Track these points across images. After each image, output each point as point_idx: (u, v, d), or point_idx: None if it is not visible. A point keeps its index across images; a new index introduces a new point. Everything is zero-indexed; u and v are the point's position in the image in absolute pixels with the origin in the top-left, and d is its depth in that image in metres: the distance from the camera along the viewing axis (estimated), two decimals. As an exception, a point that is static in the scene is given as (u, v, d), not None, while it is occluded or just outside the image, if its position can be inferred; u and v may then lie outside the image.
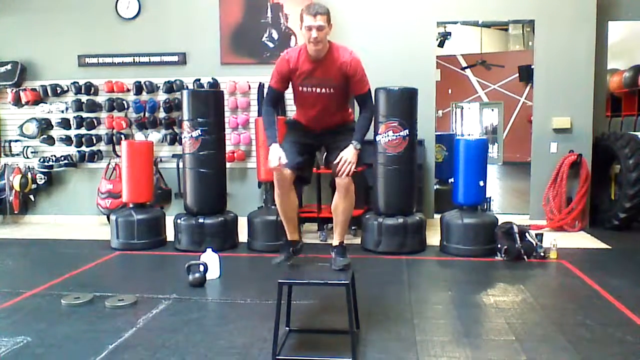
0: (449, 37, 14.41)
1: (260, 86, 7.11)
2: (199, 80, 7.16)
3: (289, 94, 6.84)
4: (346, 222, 3.64)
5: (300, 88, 3.52)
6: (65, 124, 7.33)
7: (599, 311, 3.97)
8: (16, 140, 7.54)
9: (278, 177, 3.52)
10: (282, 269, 3.58)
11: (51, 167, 7.37)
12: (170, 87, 7.19)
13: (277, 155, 3.39)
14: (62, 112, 7.38)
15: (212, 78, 7.14)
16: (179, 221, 5.92)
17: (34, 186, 7.43)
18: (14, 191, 7.36)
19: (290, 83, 3.59)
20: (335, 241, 3.65)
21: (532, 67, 7.13)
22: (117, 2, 7.29)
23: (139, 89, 7.22)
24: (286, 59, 3.49)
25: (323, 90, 3.46)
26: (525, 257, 5.32)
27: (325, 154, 3.73)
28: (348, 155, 3.39)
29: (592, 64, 6.80)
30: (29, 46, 7.47)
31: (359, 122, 3.59)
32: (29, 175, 7.41)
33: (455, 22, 12.86)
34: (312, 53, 3.40)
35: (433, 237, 6.01)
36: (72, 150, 7.44)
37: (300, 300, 3.94)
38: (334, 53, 3.43)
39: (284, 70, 3.51)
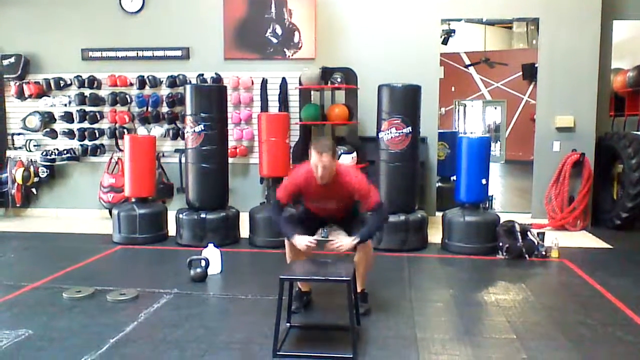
0: (452, 34, 14.34)
1: (264, 82, 7.10)
2: (202, 75, 7.16)
3: (290, 93, 6.83)
4: (367, 272, 3.90)
5: (309, 203, 3.86)
6: (68, 117, 7.34)
7: (600, 310, 3.97)
8: (19, 134, 7.54)
9: (291, 245, 3.74)
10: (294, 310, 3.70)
11: (54, 160, 7.38)
12: (173, 82, 7.19)
13: (305, 243, 3.59)
14: (65, 105, 7.38)
15: (216, 73, 7.14)
16: (180, 216, 5.93)
17: (36, 179, 7.44)
18: (16, 184, 7.37)
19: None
20: (359, 288, 3.80)
21: (536, 65, 7.12)
22: (121, -4, 7.29)
23: (142, 83, 7.22)
24: (296, 183, 3.76)
25: (331, 205, 3.78)
26: (526, 255, 5.32)
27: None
28: (345, 243, 3.60)
29: (596, 63, 6.78)
30: (33, 39, 7.47)
31: (371, 222, 3.72)
32: (32, 169, 7.41)
33: (459, 20, 12.81)
34: (319, 181, 3.63)
35: (435, 235, 6.00)
36: (74, 143, 7.44)
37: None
38: (341, 178, 3.66)
39: (293, 190, 3.78)
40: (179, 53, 7.27)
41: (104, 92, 7.35)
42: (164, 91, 7.29)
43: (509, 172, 14.71)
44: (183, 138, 6.46)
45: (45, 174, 7.47)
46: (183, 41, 7.26)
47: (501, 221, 5.63)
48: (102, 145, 7.44)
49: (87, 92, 7.33)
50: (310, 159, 3.58)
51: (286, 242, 3.78)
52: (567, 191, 6.77)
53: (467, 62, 16.92)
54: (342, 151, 6.15)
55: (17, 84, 7.39)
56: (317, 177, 3.60)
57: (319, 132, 6.93)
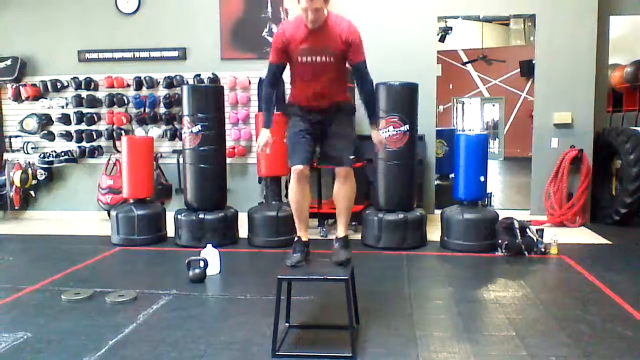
0: (450, 31, 14.35)
1: (261, 81, 7.09)
2: (199, 75, 7.15)
3: (287, 93, 6.81)
4: (348, 210, 3.57)
5: (298, 59, 3.42)
6: (65, 119, 7.33)
7: (599, 306, 3.97)
8: (16, 136, 7.54)
9: (297, 174, 3.46)
10: (295, 268, 3.40)
11: (51, 162, 7.37)
12: (170, 83, 7.18)
13: (265, 141, 3.48)
14: (62, 107, 7.37)
15: (213, 73, 7.13)
16: (179, 217, 5.92)
17: (34, 182, 7.43)
18: (14, 187, 7.36)
19: (288, 57, 3.49)
20: (339, 233, 3.54)
21: (534, 62, 7.11)
22: (116, -3, 7.28)
23: (139, 84, 7.21)
24: (281, 31, 3.42)
25: (322, 58, 3.37)
26: (525, 252, 5.31)
27: (321, 145, 3.60)
28: (379, 138, 3.62)
29: (594, 58, 6.78)
30: (29, 41, 7.45)
31: (366, 99, 3.57)
32: (30, 171, 7.41)
33: (457, 17, 12.85)
34: (309, 25, 3.32)
35: (433, 233, 6.01)
36: (72, 145, 7.43)
37: (300, 296, 3.94)
38: (332, 21, 3.37)
39: (280, 42, 3.41)
40: (175, 53, 7.26)
41: (101, 94, 7.34)
42: (161, 92, 7.28)
43: (508, 169, 14.72)
44: (181, 139, 6.45)
45: (43, 176, 7.46)
46: (179, 41, 7.25)
47: (500, 218, 5.63)
48: (100, 146, 7.43)
49: (84, 93, 7.33)
50: (299, 3, 3.23)
51: (292, 176, 3.45)
52: (566, 187, 6.77)
53: (465, 59, 16.93)
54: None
55: (14, 86, 7.38)
56: (307, 22, 3.27)
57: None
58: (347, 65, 3.54)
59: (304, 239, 3.51)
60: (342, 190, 3.50)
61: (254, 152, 6.93)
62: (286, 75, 3.68)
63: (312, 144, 3.54)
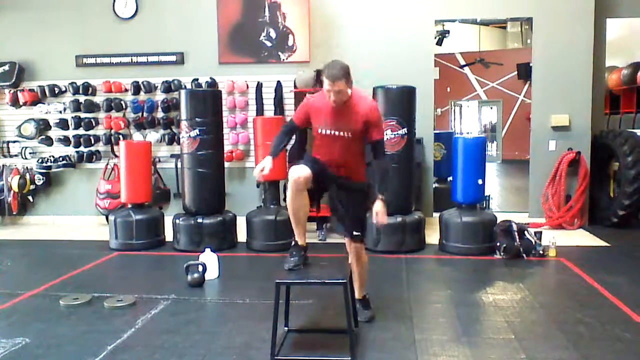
0: (447, 35, 14.35)
1: (259, 85, 7.10)
2: (197, 79, 7.16)
3: (285, 97, 6.81)
4: (363, 276, 3.80)
5: (319, 130, 3.60)
6: (63, 124, 7.32)
7: (597, 309, 3.97)
8: (14, 141, 7.53)
9: (295, 179, 3.47)
10: (293, 272, 3.46)
11: (49, 167, 7.36)
12: (168, 87, 7.18)
13: (263, 166, 3.47)
14: (60, 112, 7.37)
15: (210, 77, 7.13)
16: (177, 221, 5.92)
17: (32, 187, 7.42)
18: (12, 192, 7.35)
19: (311, 124, 3.68)
20: (357, 295, 3.75)
21: (531, 64, 7.12)
22: (114, 1, 7.27)
23: (136, 89, 7.21)
24: (309, 103, 3.64)
25: (342, 134, 3.52)
26: (524, 255, 5.32)
27: (334, 203, 3.77)
28: (380, 209, 3.47)
29: (591, 61, 6.80)
30: (27, 46, 7.45)
31: (378, 172, 3.61)
32: (27, 176, 7.40)
33: (454, 20, 12.84)
34: (333, 104, 3.49)
35: (432, 236, 6.01)
36: (70, 150, 7.43)
37: (299, 300, 3.94)
38: (355, 102, 3.51)
39: (307, 111, 3.63)
40: (173, 58, 7.26)
41: (98, 99, 7.34)
42: (159, 96, 7.28)
43: (506, 172, 14.72)
44: (179, 143, 6.45)
45: (41, 182, 7.45)
46: (177, 46, 7.26)
47: (498, 221, 5.63)
48: (98, 151, 7.42)
49: (82, 98, 7.32)
50: (323, 86, 3.43)
51: (290, 199, 3.50)
52: (564, 190, 6.77)
53: (462, 62, 16.94)
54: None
55: (12, 91, 7.38)
56: (330, 101, 3.45)
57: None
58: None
59: (301, 243, 3.55)
60: (357, 268, 3.70)
61: (252, 156, 6.93)
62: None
63: (323, 175, 3.60)
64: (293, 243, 3.58)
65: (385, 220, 3.52)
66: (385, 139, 5.45)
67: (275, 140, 3.71)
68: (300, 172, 3.40)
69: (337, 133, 3.52)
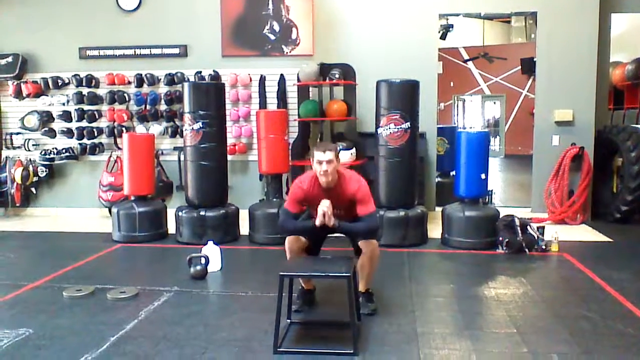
0: (451, 29, 14.33)
1: (262, 78, 7.09)
2: (200, 72, 7.15)
3: (289, 90, 6.81)
4: (372, 273, 3.84)
5: (313, 210, 3.73)
6: (66, 116, 7.32)
7: (600, 304, 3.97)
8: (17, 133, 7.54)
9: (290, 248, 3.74)
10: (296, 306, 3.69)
11: (52, 159, 7.37)
12: (171, 80, 7.18)
13: (325, 207, 3.57)
14: (64, 104, 7.37)
15: (214, 70, 7.13)
16: (180, 214, 5.93)
17: (35, 179, 7.44)
18: (15, 184, 7.37)
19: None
20: (361, 288, 3.78)
21: (535, 59, 7.10)
22: (117, -6, 7.27)
23: (140, 81, 7.21)
24: (300, 187, 3.75)
25: (334, 211, 3.62)
26: (526, 250, 5.31)
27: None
28: (329, 216, 3.56)
29: (595, 56, 6.77)
30: (30, 38, 7.45)
31: (358, 223, 3.69)
32: (31, 168, 7.41)
33: (458, 14, 12.81)
34: (322, 184, 3.65)
35: (434, 230, 6.00)
36: (73, 142, 7.43)
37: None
38: (343, 183, 3.69)
39: (299, 196, 3.74)
40: (176, 51, 7.25)
41: (102, 91, 7.34)
42: (162, 89, 7.27)
43: (509, 167, 14.71)
44: (182, 136, 6.45)
45: (45, 174, 7.46)
46: (180, 39, 7.25)
47: (501, 216, 5.63)
48: (101, 143, 7.43)
49: (85, 90, 7.32)
50: (313, 160, 3.62)
51: (287, 239, 3.76)
52: (567, 185, 6.76)
53: (466, 56, 16.90)
54: (341, 147, 6.14)
55: (15, 83, 7.38)
56: (321, 181, 3.63)
57: (318, 129, 6.93)
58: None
59: (307, 287, 3.90)
60: (368, 267, 3.77)
61: (255, 149, 6.93)
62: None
63: (321, 239, 3.88)
64: (300, 288, 3.86)
65: (328, 218, 3.55)
66: (388, 133, 5.55)
67: (292, 225, 3.75)
68: (294, 244, 3.70)
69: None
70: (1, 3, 7.50)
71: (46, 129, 7.45)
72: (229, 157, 6.45)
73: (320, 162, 3.57)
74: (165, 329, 3.52)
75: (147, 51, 7.29)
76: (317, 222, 3.56)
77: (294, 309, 3.61)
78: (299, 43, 7.03)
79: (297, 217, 3.79)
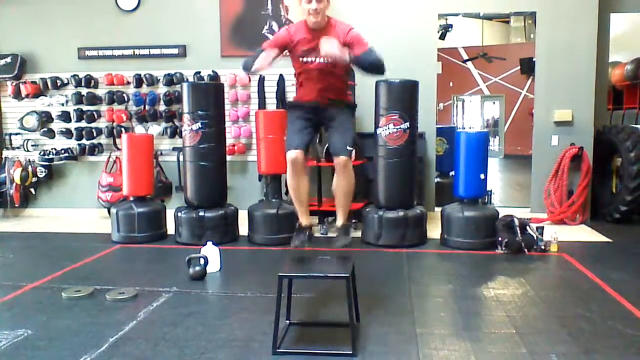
0: (450, 29, 14.33)
1: (261, 79, 7.09)
2: (199, 72, 7.15)
3: (288, 90, 6.81)
4: (347, 201, 3.71)
5: (301, 59, 3.56)
6: (65, 116, 7.32)
7: (599, 304, 3.97)
8: (16, 134, 7.53)
9: (291, 159, 3.58)
10: (296, 253, 3.62)
11: (52, 160, 7.37)
12: (170, 80, 7.17)
13: (263, 59, 3.51)
14: (63, 105, 7.37)
15: (213, 70, 7.13)
16: (179, 214, 5.92)
17: (34, 179, 7.43)
18: (14, 184, 7.36)
19: (291, 57, 3.63)
20: (338, 222, 3.70)
21: (534, 59, 7.10)
22: (116, -6, 7.27)
23: (139, 81, 7.21)
24: (287, 29, 3.63)
25: (322, 60, 3.50)
26: (525, 250, 5.31)
27: (326, 145, 3.77)
28: (332, 48, 3.37)
29: (594, 56, 6.77)
30: (29, 39, 7.45)
31: (365, 54, 3.54)
32: (30, 169, 7.41)
33: (457, 14, 12.82)
34: (311, 25, 3.51)
35: (434, 230, 6.01)
36: (72, 143, 7.43)
37: (301, 293, 3.94)
38: (333, 25, 3.57)
39: (281, 38, 3.61)
40: (175, 51, 7.25)
41: (101, 91, 7.33)
42: (161, 89, 7.27)
43: (508, 167, 14.72)
44: (181, 136, 6.45)
45: (44, 174, 7.46)
46: (179, 39, 7.25)
47: (500, 216, 5.63)
48: (100, 144, 7.43)
49: (84, 91, 7.32)
50: (300, 3, 3.49)
51: (288, 163, 3.59)
52: (566, 185, 6.77)
53: (465, 57, 16.91)
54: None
55: (14, 83, 7.38)
56: (309, 20, 3.49)
57: (317, 129, 6.92)
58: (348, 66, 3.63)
59: (305, 223, 3.69)
60: (341, 184, 3.64)
61: (254, 150, 6.92)
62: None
63: (311, 132, 3.66)
64: (297, 225, 3.69)
65: (332, 53, 3.38)
66: (387, 133, 5.55)
67: (252, 57, 3.63)
68: (294, 153, 3.51)
69: (318, 60, 3.52)
70: (0, 2, 7.50)
71: (45, 129, 7.44)
72: (228, 158, 6.45)
73: (309, 1, 3.45)
74: (165, 330, 3.52)
75: (146, 51, 7.29)
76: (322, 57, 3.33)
77: (293, 246, 3.49)
78: (298, 43, 7.01)
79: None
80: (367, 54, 3.52)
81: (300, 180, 3.63)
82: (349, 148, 3.62)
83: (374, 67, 3.57)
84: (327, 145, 3.73)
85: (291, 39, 3.57)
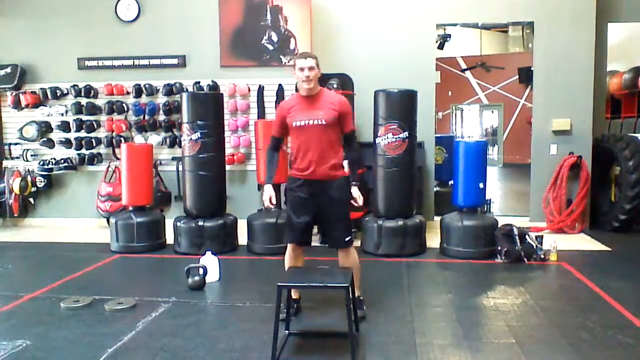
0: (448, 39, 14.41)
1: (260, 89, 7.11)
2: (199, 82, 7.17)
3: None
4: (356, 274, 3.85)
5: (294, 124, 3.72)
6: (65, 126, 7.33)
7: (599, 313, 3.96)
8: (16, 143, 7.54)
9: (292, 248, 3.86)
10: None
11: (51, 170, 7.36)
12: (169, 90, 7.19)
13: (269, 196, 3.84)
14: (62, 115, 7.38)
15: (212, 80, 7.15)
16: (178, 224, 5.92)
17: (33, 189, 7.43)
18: (13, 194, 7.36)
19: (288, 128, 3.80)
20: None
21: (532, 69, 7.13)
22: (116, 4, 7.29)
23: (138, 91, 7.22)
24: (282, 105, 3.88)
25: (316, 122, 3.67)
26: (525, 259, 5.31)
27: (321, 224, 4.04)
28: (357, 194, 3.80)
29: (592, 65, 6.80)
30: (29, 49, 7.47)
31: (351, 164, 3.87)
32: (29, 178, 7.41)
33: (455, 24, 12.89)
34: (304, 92, 3.73)
35: (433, 240, 6.00)
36: (72, 153, 7.44)
37: (300, 303, 3.93)
38: (324, 94, 3.79)
39: (281, 115, 3.81)
40: (175, 61, 7.28)
41: (100, 101, 7.35)
42: (161, 99, 7.29)
43: (507, 176, 14.71)
44: (180, 146, 6.46)
45: (43, 184, 7.46)
46: (179, 49, 7.27)
47: (499, 225, 5.63)
48: (99, 154, 7.43)
49: (83, 101, 7.34)
50: (295, 68, 3.68)
51: (288, 247, 3.84)
52: (565, 194, 6.77)
53: (464, 66, 16.96)
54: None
55: (14, 94, 7.39)
56: (301, 88, 3.70)
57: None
58: (339, 133, 3.84)
59: (295, 296, 3.89)
60: (347, 263, 3.82)
61: (254, 159, 6.93)
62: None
63: (309, 224, 3.85)
64: (287, 296, 3.77)
65: (361, 201, 3.80)
66: (386, 142, 5.56)
67: (267, 163, 3.96)
68: (294, 245, 3.82)
69: (310, 122, 3.68)
70: (0, 13, 7.52)
71: (45, 139, 7.45)
72: (228, 167, 6.46)
73: (302, 69, 3.65)
74: (163, 340, 3.51)
75: (145, 61, 7.31)
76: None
77: (281, 318, 3.57)
78: (297, 53, 7.05)
79: (281, 141, 3.98)
80: (352, 146, 3.88)
81: (297, 260, 3.87)
82: (347, 239, 3.82)
83: (359, 162, 4.00)
84: (324, 228, 4.23)
85: (287, 109, 3.77)
